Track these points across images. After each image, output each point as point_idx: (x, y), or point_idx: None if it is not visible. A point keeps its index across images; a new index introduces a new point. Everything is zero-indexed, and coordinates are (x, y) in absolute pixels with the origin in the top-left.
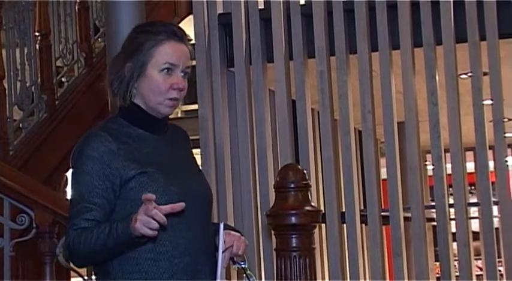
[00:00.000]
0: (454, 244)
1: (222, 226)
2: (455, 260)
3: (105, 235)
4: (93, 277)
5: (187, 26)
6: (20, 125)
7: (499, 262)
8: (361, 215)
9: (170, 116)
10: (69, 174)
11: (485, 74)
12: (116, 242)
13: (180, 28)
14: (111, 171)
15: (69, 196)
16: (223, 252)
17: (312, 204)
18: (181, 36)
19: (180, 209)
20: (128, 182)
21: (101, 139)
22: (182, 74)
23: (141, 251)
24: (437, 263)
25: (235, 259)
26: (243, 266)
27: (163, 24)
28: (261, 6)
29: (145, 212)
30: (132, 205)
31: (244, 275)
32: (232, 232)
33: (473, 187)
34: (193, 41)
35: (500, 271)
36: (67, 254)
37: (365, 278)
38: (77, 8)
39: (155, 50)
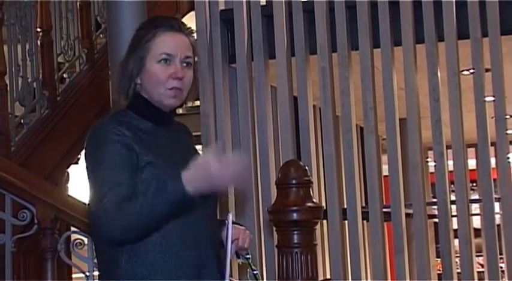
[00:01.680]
0: (456, 241)
1: (230, 215)
2: (457, 256)
3: (152, 195)
4: (95, 273)
5: (189, 22)
6: (22, 121)
7: (501, 258)
8: (362, 212)
9: None
10: (70, 170)
11: (487, 70)
12: (166, 201)
13: (178, 20)
14: (131, 153)
15: (90, 184)
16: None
17: (314, 200)
18: (179, 28)
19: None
20: (140, 173)
21: (114, 125)
22: (184, 64)
23: (148, 243)
24: (439, 260)
25: (239, 252)
26: (247, 257)
27: (161, 19)
28: (263, 2)
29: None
30: None
31: (249, 269)
32: (237, 226)
33: (474, 184)
34: (194, 37)
35: (501, 267)
36: (100, 228)
37: (366, 275)
38: (78, 4)
39: (152, 43)
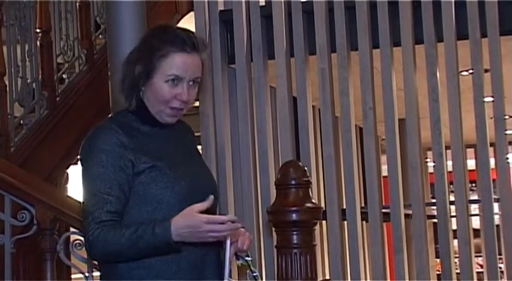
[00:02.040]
0: (455, 241)
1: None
2: (456, 257)
3: (137, 237)
4: (94, 274)
5: (188, 23)
6: (21, 121)
7: (500, 259)
8: (361, 212)
9: None
10: (69, 170)
11: (486, 71)
12: (149, 245)
13: (192, 36)
14: (124, 162)
15: (82, 192)
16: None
17: (313, 201)
18: (192, 46)
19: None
20: (139, 176)
21: (111, 131)
22: (190, 83)
23: None
24: (438, 261)
25: (238, 253)
26: (247, 259)
27: (174, 32)
28: (262, 3)
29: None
30: (140, 200)
31: (249, 270)
32: None
33: (474, 184)
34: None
35: (500, 268)
36: (87, 247)
37: (365, 276)
38: (77, 4)
39: (164, 60)
